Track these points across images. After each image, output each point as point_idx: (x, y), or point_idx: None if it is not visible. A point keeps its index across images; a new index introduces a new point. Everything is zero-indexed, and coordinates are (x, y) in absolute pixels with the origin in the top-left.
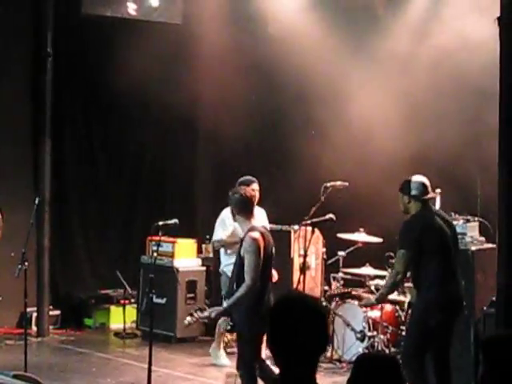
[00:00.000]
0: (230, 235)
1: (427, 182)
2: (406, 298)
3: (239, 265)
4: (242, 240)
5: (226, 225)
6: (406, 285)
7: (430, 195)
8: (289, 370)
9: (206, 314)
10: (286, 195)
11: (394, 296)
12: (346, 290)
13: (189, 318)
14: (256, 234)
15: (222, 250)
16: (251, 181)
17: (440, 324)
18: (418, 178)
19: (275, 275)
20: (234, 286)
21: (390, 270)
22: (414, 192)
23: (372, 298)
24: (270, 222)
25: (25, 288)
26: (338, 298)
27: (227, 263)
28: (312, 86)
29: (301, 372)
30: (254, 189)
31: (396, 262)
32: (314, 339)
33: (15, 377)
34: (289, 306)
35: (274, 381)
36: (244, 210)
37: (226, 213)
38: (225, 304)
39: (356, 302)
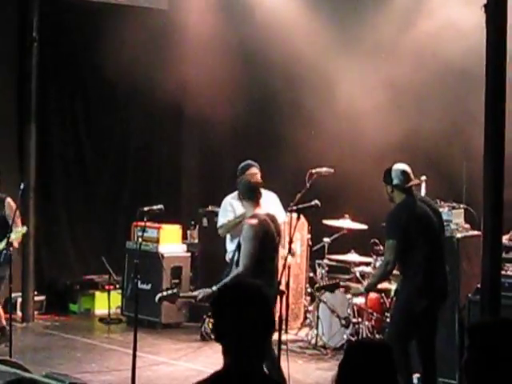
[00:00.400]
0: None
1: (408, 170)
2: (392, 286)
3: (238, 250)
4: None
5: (226, 211)
6: (394, 272)
7: (412, 182)
8: (236, 362)
9: (194, 293)
10: (272, 181)
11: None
12: (334, 282)
13: (159, 294)
14: (254, 221)
15: (228, 238)
16: (250, 165)
17: (425, 311)
18: (398, 167)
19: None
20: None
21: (374, 256)
22: (395, 181)
23: (361, 287)
24: None
25: (9, 272)
26: (324, 291)
27: (231, 250)
28: (299, 72)
29: (248, 362)
30: (253, 173)
31: (385, 251)
32: (258, 326)
33: (0, 362)
34: (230, 295)
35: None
36: (249, 196)
37: (228, 199)
38: (214, 288)
39: (341, 289)
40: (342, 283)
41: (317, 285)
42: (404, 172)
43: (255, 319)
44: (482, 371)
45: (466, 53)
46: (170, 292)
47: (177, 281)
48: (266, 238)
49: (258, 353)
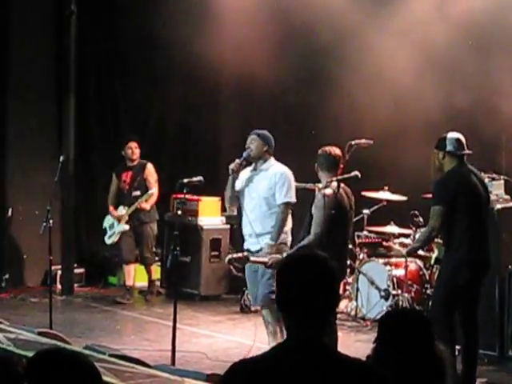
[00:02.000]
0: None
1: (463, 139)
2: (433, 254)
3: (309, 221)
4: (314, 196)
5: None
6: (435, 240)
7: (466, 151)
8: (297, 332)
9: (264, 259)
10: (312, 154)
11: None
12: (243, 255)
13: (229, 256)
14: (328, 191)
15: None
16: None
17: (468, 283)
18: (453, 135)
19: None
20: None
21: (414, 228)
22: (449, 147)
23: (403, 250)
24: (296, 181)
25: (49, 246)
26: (367, 249)
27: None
28: (337, 44)
29: (309, 334)
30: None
31: (431, 217)
32: (323, 299)
33: (40, 334)
34: (295, 264)
35: None
36: (328, 168)
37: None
38: (284, 254)
39: (380, 261)
40: (384, 243)
41: (229, 256)
42: (458, 140)
43: (319, 291)
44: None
45: (504, 23)
46: (240, 254)
47: (216, 253)
48: (339, 210)
49: (320, 326)
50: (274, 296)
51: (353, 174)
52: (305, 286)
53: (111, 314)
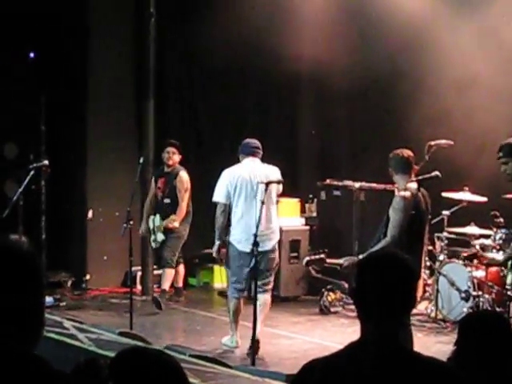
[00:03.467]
0: None
1: None
2: None
3: (386, 222)
4: (392, 198)
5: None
6: None
7: None
8: (374, 331)
9: (340, 260)
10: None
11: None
12: (319, 257)
13: (307, 258)
14: (406, 194)
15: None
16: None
17: None
18: None
19: None
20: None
21: (495, 229)
22: None
23: (498, 257)
24: (375, 182)
25: (130, 247)
26: (447, 251)
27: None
28: (416, 44)
29: (386, 332)
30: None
31: None
32: (402, 298)
33: (121, 334)
34: (372, 264)
35: None
36: (403, 170)
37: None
38: (360, 256)
39: (461, 262)
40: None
41: (306, 258)
42: None
43: (398, 291)
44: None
45: None
46: (317, 257)
47: (295, 254)
48: (417, 212)
49: (397, 325)
50: None
51: (433, 174)
52: (384, 286)
53: (191, 315)
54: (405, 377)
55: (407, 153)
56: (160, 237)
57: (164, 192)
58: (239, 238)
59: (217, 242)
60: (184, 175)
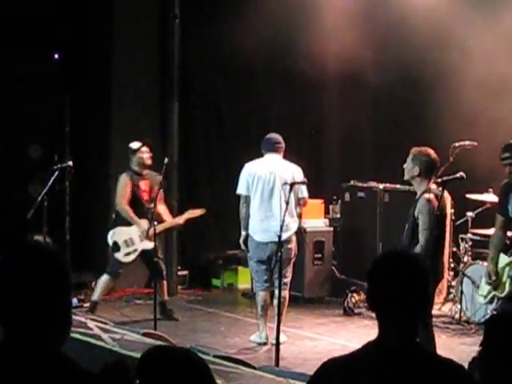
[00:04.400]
0: None
1: None
2: None
3: (412, 225)
4: (416, 200)
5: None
6: None
7: None
8: (391, 331)
9: None
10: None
11: None
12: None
13: None
14: (430, 196)
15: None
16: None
17: None
18: None
19: None
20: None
21: None
22: None
23: None
24: (400, 182)
25: (154, 247)
26: (471, 252)
27: None
28: (443, 44)
29: (403, 332)
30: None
31: None
32: (416, 298)
33: (145, 335)
34: (389, 264)
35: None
36: (429, 173)
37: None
38: None
39: (485, 263)
40: None
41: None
42: None
43: (412, 290)
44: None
45: None
46: None
47: (319, 255)
48: (440, 213)
49: (413, 325)
50: None
51: (458, 175)
52: (398, 285)
53: (215, 316)
54: (421, 377)
55: (434, 155)
56: (148, 245)
57: (150, 195)
58: (255, 229)
59: (243, 233)
60: (160, 177)
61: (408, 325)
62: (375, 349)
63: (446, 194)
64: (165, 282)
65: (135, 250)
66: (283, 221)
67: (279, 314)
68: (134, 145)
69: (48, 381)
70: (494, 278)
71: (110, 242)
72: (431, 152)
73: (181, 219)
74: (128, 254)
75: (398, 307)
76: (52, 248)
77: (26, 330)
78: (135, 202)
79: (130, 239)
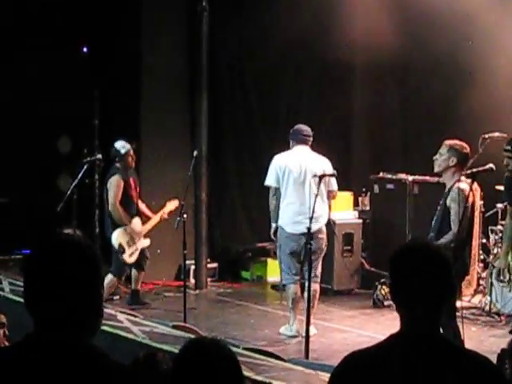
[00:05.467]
0: None
1: None
2: None
3: (443, 214)
4: (449, 190)
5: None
6: None
7: None
8: (413, 323)
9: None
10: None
11: None
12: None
13: None
14: (464, 185)
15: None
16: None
17: None
18: None
19: None
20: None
21: None
22: None
23: None
24: (428, 174)
25: (183, 240)
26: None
27: None
28: (466, 35)
29: (425, 324)
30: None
31: None
32: (437, 288)
33: (174, 327)
34: (410, 255)
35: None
36: (462, 163)
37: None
38: None
39: None
40: None
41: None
42: None
43: (433, 280)
44: None
45: None
46: None
47: (348, 247)
48: (472, 205)
49: (436, 316)
50: None
51: (488, 166)
52: (420, 276)
53: (244, 309)
54: (445, 369)
55: (467, 148)
56: (145, 242)
57: (136, 193)
58: (287, 221)
59: (273, 225)
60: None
61: (431, 316)
62: (399, 340)
63: (475, 185)
64: (143, 274)
65: (136, 250)
66: (313, 212)
67: (309, 307)
68: (123, 148)
69: (79, 373)
70: (507, 276)
71: (116, 244)
72: (466, 145)
73: (165, 213)
74: (132, 254)
75: (420, 299)
76: (85, 240)
77: (57, 323)
78: (128, 201)
79: (130, 239)
